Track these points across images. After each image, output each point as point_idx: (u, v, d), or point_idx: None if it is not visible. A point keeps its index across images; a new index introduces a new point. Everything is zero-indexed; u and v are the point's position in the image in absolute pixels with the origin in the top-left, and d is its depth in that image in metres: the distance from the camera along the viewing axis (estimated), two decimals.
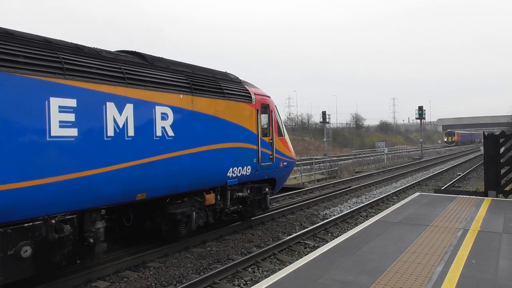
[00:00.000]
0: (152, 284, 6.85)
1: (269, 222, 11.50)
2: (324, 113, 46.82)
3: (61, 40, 6.49)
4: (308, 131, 64.84)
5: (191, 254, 8.41)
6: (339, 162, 28.89)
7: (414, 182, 20.69)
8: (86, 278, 6.81)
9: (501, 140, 11.83)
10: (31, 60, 5.50)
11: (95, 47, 7.16)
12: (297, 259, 7.07)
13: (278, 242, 8.91)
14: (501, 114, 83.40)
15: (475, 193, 12.76)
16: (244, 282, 6.97)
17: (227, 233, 10.01)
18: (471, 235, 7.18)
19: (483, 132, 14.01)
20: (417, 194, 12.48)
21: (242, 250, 8.82)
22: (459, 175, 24.37)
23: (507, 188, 11.97)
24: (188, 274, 7.31)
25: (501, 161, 11.90)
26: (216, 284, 6.72)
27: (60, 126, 5.66)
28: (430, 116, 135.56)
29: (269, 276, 6.10)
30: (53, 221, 5.76)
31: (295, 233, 10.08)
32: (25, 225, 5.45)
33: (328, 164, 27.34)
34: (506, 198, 11.62)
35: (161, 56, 8.42)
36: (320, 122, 50.48)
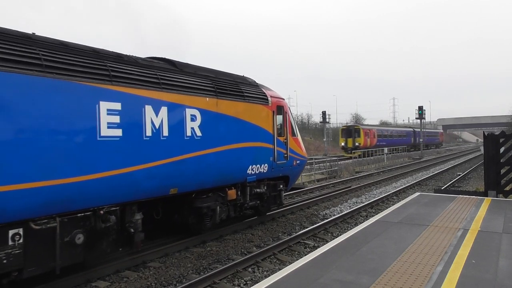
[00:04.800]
0: (152, 284, 6.86)
1: (269, 222, 11.50)
2: (324, 113, 46.83)
3: (104, 49, 7.13)
4: (308, 131, 64.87)
5: (191, 254, 8.41)
6: (339, 162, 28.85)
7: (414, 182, 20.68)
8: (86, 277, 6.82)
9: (501, 140, 11.82)
10: (85, 68, 6.22)
11: (132, 54, 7.80)
12: (297, 259, 7.06)
13: (278, 242, 8.91)
14: (501, 114, 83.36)
15: (475, 193, 12.75)
16: (244, 282, 6.98)
17: (227, 233, 10.01)
18: (471, 235, 7.17)
19: (483, 132, 14.00)
20: (417, 194, 12.47)
21: (242, 250, 8.82)
22: (459, 175, 24.37)
23: (507, 188, 11.94)
24: (188, 274, 7.31)
25: (501, 161, 11.88)
26: (216, 284, 6.73)
27: (108, 127, 6.37)
28: (430, 116, 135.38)
29: (269, 276, 6.09)
30: (101, 212, 6.46)
31: (295, 233, 10.08)
32: (78, 215, 6.17)
33: (328, 164, 27.31)
34: (506, 198, 11.60)
35: (187, 62, 9.02)
36: (320, 122, 50.48)
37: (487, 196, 11.53)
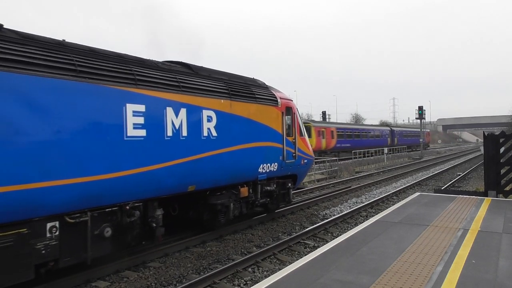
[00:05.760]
0: (152, 284, 6.86)
1: (269, 222, 11.49)
2: (324, 113, 46.91)
3: (128, 54, 7.56)
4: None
5: (191, 254, 8.41)
6: (339, 162, 28.86)
7: (414, 182, 20.71)
8: (86, 278, 6.83)
9: (501, 140, 11.82)
10: (113, 73, 6.64)
11: (152, 59, 8.17)
12: (297, 259, 7.06)
13: (278, 242, 8.90)
14: (501, 114, 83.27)
15: (475, 193, 12.76)
16: (244, 282, 6.98)
17: (227, 233, 10.00)
18: (471, 235, 7.18)
19: (483, 132, 13.98)
20: (417, 194, 12.48)
21: (242, 250, 8.82)
22: (459, 175, 24.39)
23: (507, 188, 11.95)
24: (188, 274, 7.31)
25: (501, 161, 11.89)
26: (216, 284, 6.72)
27: (134, 128, 6.80)
28: (430, 116, 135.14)
29: (269, 276, 6.09)
30: (127, 207, 6.88)
31: (295, 233, 10.09)
32: (107, 210, 6.59)
33: (328, 164, 27.31)
34: (506, 198, 11.61)
35: (201, 65, 9.35)
36: None
37: (487, 196, 11.55)
